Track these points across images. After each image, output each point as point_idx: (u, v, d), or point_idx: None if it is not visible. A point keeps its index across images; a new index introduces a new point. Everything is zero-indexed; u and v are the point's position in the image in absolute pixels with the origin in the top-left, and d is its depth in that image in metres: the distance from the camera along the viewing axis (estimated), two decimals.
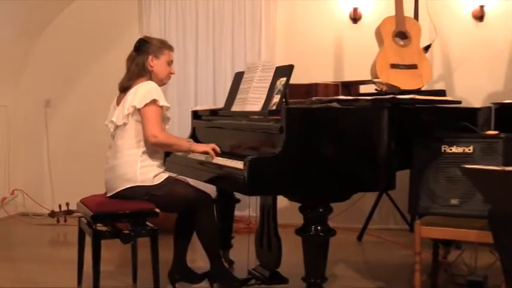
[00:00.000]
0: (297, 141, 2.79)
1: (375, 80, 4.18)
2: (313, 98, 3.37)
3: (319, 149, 2.81)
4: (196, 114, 3.98)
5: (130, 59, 3.35)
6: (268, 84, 3.23)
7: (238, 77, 3.62)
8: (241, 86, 3.52)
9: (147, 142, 3.18)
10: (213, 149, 3.27)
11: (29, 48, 5.78)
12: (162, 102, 3.20)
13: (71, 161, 5.77)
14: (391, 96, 3.18)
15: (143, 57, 3.31)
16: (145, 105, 3.15)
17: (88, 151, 5.63)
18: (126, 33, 5.56)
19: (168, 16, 5.48)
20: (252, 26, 5.37)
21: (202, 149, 3.28)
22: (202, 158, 3.32)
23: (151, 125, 3.14)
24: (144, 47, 3.33)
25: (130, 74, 3.32)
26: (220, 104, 4.04)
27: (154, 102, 3.17)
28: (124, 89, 3.31)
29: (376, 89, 4.03)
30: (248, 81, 3.45)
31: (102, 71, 5.67)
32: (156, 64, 3.33)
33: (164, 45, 3.38)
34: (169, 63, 3.39)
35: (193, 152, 3.32)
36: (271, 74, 3.25)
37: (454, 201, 3.05)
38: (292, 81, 3.15)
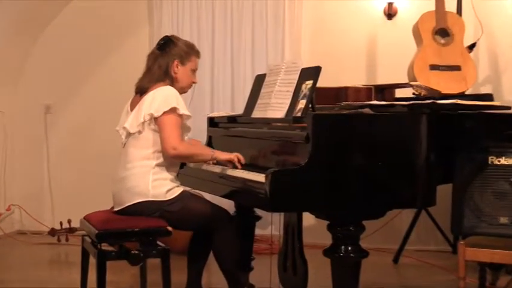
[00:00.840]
0: (324, 151, 2.79)
1: (413, 83, 4.17)
2: (343, 104, 3.38)
3: (350, 160, 2.81)
4: (212, 122, 4.01)
5: (153, 58, 3.38)
6: (292, 88, 3.24)
7: (259, 80, 3.64)
8: (263, 90, 3.54)
9: (165, 154, 3.20)
10: (241, 158, 3.30)
11: (28, 49, 5.85)
12: (183, 110, 3.23)
13: (73, 173, 5.81)
14: (431, 101, 3.17)
15: (167, 60, 3.34)
16: (164, 113, 3.18)
17: (93, 162, 5.67)
18: (135, 33, 5.62)
19: (181, 14, 5.51)
20: (274, 24, 5.41)
21: (226, 157, 3.29)
22: (219, 170, 3.35)
23: (170, 136, 3.16)
24: (169, 47, 3.36)
25: (151, 75, 3.34)
26: (239, 110, 4.06)
27: (174, 110, 3.20)
28: (141, 91, 3.34)
29: (413, 93, 4.02)
30: (270, 85, 3.46)
31: (108, 75, 5.72)
32: (181, 71, 3.37)
33: (192, 51, 3.41)
34: (194, 71, 3.43)
35: (216, 160, 3.34)
36: (296, 76, 3.26)
37: (503, 220, 3.03)
38: (320, 84, 3.16)
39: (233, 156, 3.28)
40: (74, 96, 5.85)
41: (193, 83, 3.45)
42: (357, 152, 2.83)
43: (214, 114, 4.15)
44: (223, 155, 3.31)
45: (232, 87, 5.49)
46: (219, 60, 5.49)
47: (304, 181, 2.73)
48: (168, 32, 5.28)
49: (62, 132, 5.86)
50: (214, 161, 3.42)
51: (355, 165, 2.82)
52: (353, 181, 2.81)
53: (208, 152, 3.32)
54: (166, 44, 3.37)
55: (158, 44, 3.40)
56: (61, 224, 5.27)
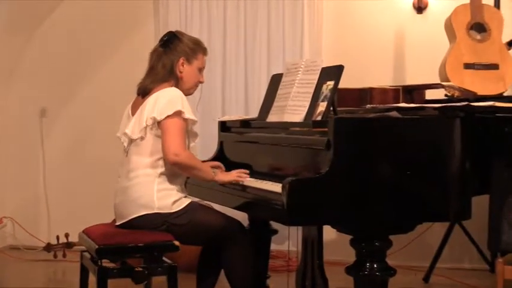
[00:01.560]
0: (347, 158, 2.80)
1: (445, 83, 4.17)
2: (368, 106, 3.39)
3: (375, 168, 2.82)
4: (224, 126, 4.02)
5: (156, 56, 3.38)
6: (312, 89, 3.25)
7: (276, 81, 3.65)
8: (279, 92, 3.55)
9: (166, 161, 3.22)
10: (242, 176, 3.31)
11: (21, 48, 5.89)
12: (188, 114, 3.24)
13: (71, 182, 5.83)
14: (465, 103, 3.16)
15: (172, 58, 3.35)
16: (167, 117, 3.19)
17: (93, 171, 5.70)
18: (139, 30, 5.63)
19: (190, 9, 5.53)
20: (292, 18, 5.42)
21: (228, 179, 3.33)
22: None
23: (172, 141, 3.17)
24: (174, 44, 3.37)
25: (154, 75, 3.35)
26: (254, 113, 4.07)
27: (178, 114, 3.21)
28: (144, 92, 3.35)
29: (446, 95, 4.02)
30: (288, 86, 3.47)
31: (109, 75, 5.74)
32: (187, 70, 3.38)
33: (199, 48, 3.42)
34: (201, 69, 3.44)
35: (217, 183, 3.36)
36: (316, 76, 3.26)
37: None
38: (342, 85, 3.16)
39: (235, 176, 3.31)
40: (72, 99, 5.88)
41: (200, 82, 3.46)
42: (383, 160, 2.84)
43: (226, 118, 4.17)
44: (226, 178, 3.33)
45: (246, 88, 5.50)
46: (231, 59, 5.51)
47: (325, 191, 2.74)
48: (175, 27, 5.33)
49: (59, 137, 5.89)
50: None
51: (381, 174, 2.82)
52: (379, 191, 2.81)
53: (210, 173, 3.32)
54: (170, 41, 3.38)
55: (161, 40, 3.41)
56: (58, 238, 5.28)
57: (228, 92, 5.53)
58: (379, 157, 2.84)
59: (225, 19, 5.52)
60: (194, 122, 3.31)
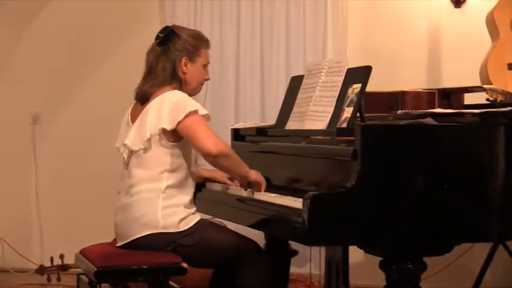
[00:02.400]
0: (376, 170, 2.80)
1: (486, 86, 4.15)
2: (399, 112, 3.39)
3: (408, 181, 2.82)
4: (237, 134, 4.04)
5: (154, 56, 3.38)
6: (336, 93, 3.25)
7: (296, 83, 3.66)
8: (300, 96, 3.55)
9: (206, 158, 3.21)
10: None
11: (11, 47, 5.92)
12: (202, 110, 3.25)
13: (67, 197, 5.83)
14: (510, 108, 3.16)
15: (173, 59, 3.35)
16: (180, 121, 3.18)
17: (91, 185, 5.70)
18: (142, 29, 5.60)
19: (199, 6, 5.52)
20: (314, 13, 5.42)
21: (257, 177, 3.34)
22: (245, 193, 3.37)
23: (206, 135, 3.17)
24: (173, 42, 3.36)
25: (154, 78, 3.35)
26: (271, 119, 4.08)
27: (193, 113, 3.21)
28: (143, 98, 3.36)
29: (487, 99, 4.00)
30: (309, 89, 3.47)
31: (109, 78, 5.76)
32: (191, 70, 3.38)
33: (201, 42, 3.42)
34: (205, 66, 3.45)
35: (247, 178, 3.36)
36: (341, 78, 3.27)
37: None
38: (370, 88, 3.17)
39: (263, 182, 3.33)
40: (67, 104, 5.89)
41: (206, 80, 3.47)
42: (417, 172, 2.84)
43: (240, 125, 4.18)
44: (253, 174, 3.35)
45: (262, 92, 5.51)
46: (245, 60, 5.52)
47: (351, 207, 2.74)
48: (183, 22, 5.31)
49: (53, 147, 5.89)
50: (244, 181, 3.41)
51: (415, 188, 2.82)
52: (412, 207, 2.81)
53: (245, 165, 3.34)
54: (168, 38, 3.37)
55: (158, 37, 3.39)
56: (52, 260, 5.28)
57: (242, 96, 5.54)
58: (412, 169, 2.84)
59: (238, 16, 5.53)
60: (209, 117, 3.30)
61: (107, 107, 5.61)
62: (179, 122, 3.19)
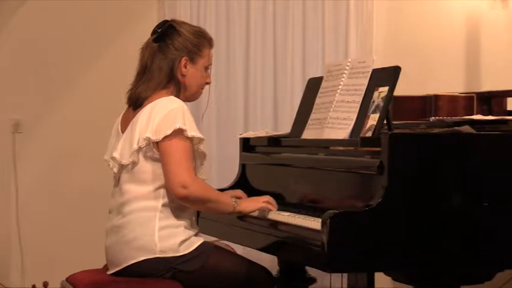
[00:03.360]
0: (406, 186, 2.80)
1: None
2: (432, 119, 3.38)
3: (442, 199, 2.82)
4: (247, 145, 4.03)
5: (149, 54, 3.35)
6: (360, 98, 3.25)
7: (313, 86, 3.65)
8: (318, 100, 3.55)
9: (171, 194, 3.21)
10: (268, 202, 3.32)
11: None
12: (192, 131, 3.22)
13: (51, 216, 5.82)
14: None
15: (171, 58, 3.33)
16: (166, 137, 3.17)
17: (78, 202, 5.68)
18: (136, 25, 5.60)
19: (203, 1, 5.54)
20: (334, 7, 5.43)
21: (255, 206, 3.33)
22: (255, 212, 3.37)
23: (177, 169, 3.15)
24: (172, 39, 3.34)
25: (148, 80, 3.33)
26: (285, 128, 4.07)
27: (179, 132, 3.18)
28: (136, 103, 3.33)
29: None
30: (329, 93, 3.47)
31: (99, 81, 5.72)
32: (191, 72, 3.36)
33: (204, 41, 3.40)
34: (207, 68, 3.43)
35: (241, 213, 3.36)
36: (366, 81, 3.26)
37: None
38: (398, 91, 3.16)
39: (263, 204, 3.32)
40: (52, 110, 5.88)
41: (207, 83, 3.45)
42: (453, 188, 2.83)
43: (250, 134, 4.16)
44: (250, 205, 3.34)
45: (275, 96, 5.51)
46: (255, 59, 5.51)
47: (377, 228, 2.74)
48: (185, 17, 5.30)
49: (36, 158, 5.88)
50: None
51: (450, 206, 2.82)
52: (447, 229, 2.80)
53: (230, 204, 3.31)
54: (167, 34, 3.35)
55: (154, 32, 3.37)
56: None
57: (252, 101, 5.53)
58: (448, 185, 2.83)
59: (248, 10, 5.53)
60: (200, 140, 3.28)
61: (97, 113, 5.60)
62: (166, 137, 3.16)
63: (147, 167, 3.25)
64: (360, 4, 5.39)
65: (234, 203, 3.31)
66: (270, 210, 3.31)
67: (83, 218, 5.60)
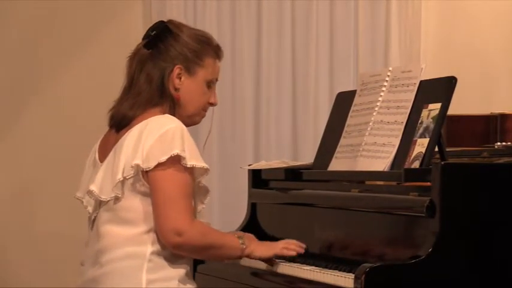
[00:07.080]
0: (463, 232, 2.80)
1: None
2: (498, 145, 3.39)
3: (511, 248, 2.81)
4: (257, 179, 4.04)
5: (137, 63, 3.35)
6: (404, 118, 3.26)
7: (343, 103, 3.67)
8: (350, 121, 3.56)
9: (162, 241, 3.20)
10: (291, 247, 3.31)
11: None
12: (193, 160, 3.21)
13: (11, 266, 5.87)
14: None
15: (163, 66, 3.32)
16: (160, 165, 3.16)
17: (42, 249, 5.73)
18: (120, 19, 5.67)
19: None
20: (371, 10, 5.49)
21: (271, 252, 3.32)
22: (263, 265, 3.37)
23: (171, 210, 3.15)
24: (166, 44, 3.34)
25: (135, 96, 3.32)
26: (307, 157, 4.06)
27: (177, 160, 3.17)
28: (120, 124, 3.32)
29: None
30: (364, 111, 3.48)
31: (73, 92, 5.79)
32: (187, 85, 3.34)
33: (207, 47, 3.38)
34: (211, 83, 3.42)
35: (251, 258, 3.35)
36: (412, 95, 3.27)
37: None
38: (454, 110, 3.16)
39: (282, 249, 3.31)
40: (13, 129, 5.94)
41: (211, 104, 3.43)
42: None
43: (262, 165, 4.16)
44: (263, 249, 3.32)
45: (294, 116, 5.56)
46: (269, 72, 5.58)
47: (426, 286, 2.73)
48: (176, 15, 5.36)
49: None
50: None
51: None
52: None
53: (237, 244, 3.30)
54: (160, 38, 3.35)
55: (147, 35, 3.37)
56: None
57: (264, 123, 5.58)
58: None
59: (259, 9, 5.59)
60: (204, 171, 3.26)
61: (69, 134, 5.65)
62: (159, 165, 3.14)
63: (133, 204, 3.21)
64: (403, 8, 5.42)
65: (241, 245, 3.28)
66: (295, 253, 3.29)
67: (49, 269, 5.63)
